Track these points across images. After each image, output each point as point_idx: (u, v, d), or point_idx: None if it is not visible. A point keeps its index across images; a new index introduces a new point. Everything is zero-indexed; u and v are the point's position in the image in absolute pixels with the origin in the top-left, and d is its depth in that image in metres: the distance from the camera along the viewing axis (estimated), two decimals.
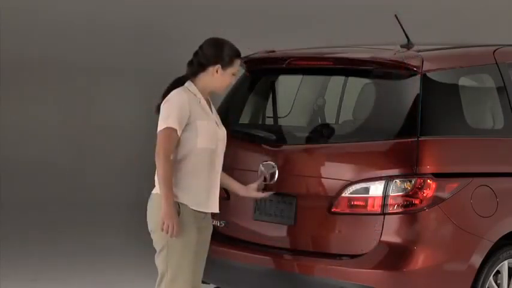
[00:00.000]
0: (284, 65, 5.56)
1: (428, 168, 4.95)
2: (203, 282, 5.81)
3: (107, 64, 11.37)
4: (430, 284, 4.97)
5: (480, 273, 5.10)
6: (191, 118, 4.80)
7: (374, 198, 4.97)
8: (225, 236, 5.65)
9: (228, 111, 5.82)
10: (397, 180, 4.95)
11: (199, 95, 4.90)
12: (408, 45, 5.59)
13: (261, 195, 5.21)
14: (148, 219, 4.90)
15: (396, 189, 4.95)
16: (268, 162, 5.32)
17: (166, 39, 11.00)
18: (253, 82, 5.89)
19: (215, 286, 5.91)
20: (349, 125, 5.85)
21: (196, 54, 4.94)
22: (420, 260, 4.91)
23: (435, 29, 10.61)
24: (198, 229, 4.89)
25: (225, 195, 5.55)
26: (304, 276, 5.15)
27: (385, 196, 4.93)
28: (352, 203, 5.03)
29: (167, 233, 4.72)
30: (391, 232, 4.96)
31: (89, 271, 7.72)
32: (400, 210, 4.94)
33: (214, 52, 4.88)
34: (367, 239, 4.98)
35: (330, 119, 6.46)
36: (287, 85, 6.13)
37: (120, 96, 11.44)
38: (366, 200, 4.99)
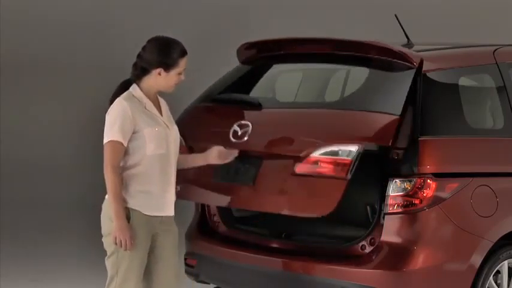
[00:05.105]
0: (282, 52, 5.56)
1: (428, 168, 4.95)
2: (203, 282, 5.82)
3: (108, 64, 11.37)
4: (430, 283, 4.97)
5: (480, 273, 5.10)
6: (138, 127, 4.72)
7: (342, 161, 4.89)
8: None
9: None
10: (397, 180, 4.95)
11: (145, 100, 4.81)
12: (408, 45, 5.58)
13: (221, 161, 5.07)
14: (101, 224, 4.84)
15: (396, 189, 4.94)
16: (242, 121, 5.28)
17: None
18: (248, 74, 5.85)
19: (215, 286, 5.91)
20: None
21: (139, 56, 4.84)
22: (420, 260, 4.91)
23: (435, 29, 10.61)
24: (155, 233, 4.82)
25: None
26: (305, 276, 5.15)
27: (354, 161, 4.85)
28: (319, 164, 4.97)
29: (120, 247, 4.67)
30: (391, 232, 4.96)
31: (89, 271, 7.72)
32: (400, 210, 4.94)
33: (155, 56, 4.77)
34: (326, 203, 4.91)
35: None
36: (287, 84, 6.11)
37: None
38: (332, 162, 4.92)
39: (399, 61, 5.12)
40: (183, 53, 4.82)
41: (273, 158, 5.16)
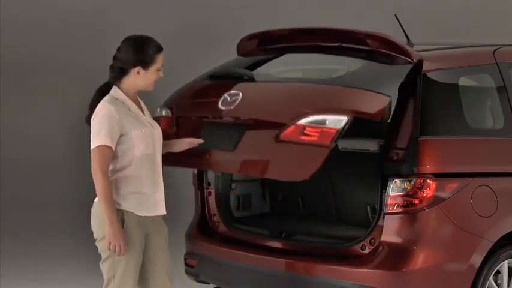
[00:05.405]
0: (284, 44, 5.55)
1: (428, 168, 4.95)
2: (203, 282, 5.83)
3: (108, 64, 11.36)
4: (430, 283, 4.97)
5: (480, 273, 5.10)
6: (125, 130, 4.70)
7: (328, 129, 4.83)
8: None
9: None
10: (397, 180, 4.94)
11: (128, 101, 4.79)
12: (408, 45, 5.57)
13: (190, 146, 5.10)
14: (92, 229, 4.85)
15: (396, 189, 4.94)
16: (233, 91, 5.26)
17: (170, 39, 11.01)
18: (248, 67, 5.83)
19: (215, 286, 5.91)
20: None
21: (115, 57, 4.82)
22: (420, 260, 4.91)
23: (435, 29, 10.61)
24: (147, 233, 4.83)
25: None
26: (305, 277, 5.15)
27: (340, 131, 4.79)
28: (304, 131, 4.88)
29: (114, 252, 4.67)
30: (391, 232, 4.96)
31: (89, 271, 7.72)
32: (400, 210, 4.94)
33: (132, 55, 4.76)
34: (306, 169, 4.82)
35: None
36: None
37: None
38: (318, 130, 4.85)
39: (399, 55, 5.10)
40: (159, 48, 4.81)
41: (259, 125, 5.10)
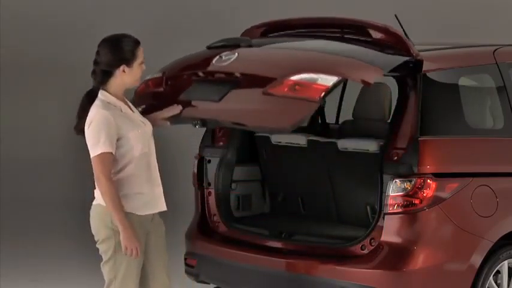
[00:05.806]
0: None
1: (428, 168, 4.95)
2: (203, 282, 5.83)
3: None
4: (430, 283, 4.97)
5: (480, 273, 5.10)
6: (122, 132, 4.69)
7: (317, 86, 4.76)
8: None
9: None
10: (397, 180, 4.94)
11: (118, 103, 4.78)
12: None
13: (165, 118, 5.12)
14: (93, 231, 4.84)
15: (396, 189, 4.94)
16: (230, 51, 5.27)
17: (170, 37, 11.01)
18: None
19: (215, 286, 5.91)
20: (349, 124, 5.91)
21: (96, 62, 4.80)
22: (420, 260, 4.91)
23: (435, 29, 10.61)
24: (147, 232, 4.83)
25: None
26: (305, 276, 5.15)
27: (330, 89, 4.75)
28: (294, 86, 4.81)
29: (131, 255, 4.66)
30: (391, 232, 4.96)
31: (89, 271, 7.73)
32: (400, 210, 4.94)
33: (113, 55, 4.74)
34: (290, 119, 4.73)
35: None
36: None
37: None
38: (307, 85, 4.79)
39: (399, 48, 5.09)
40: (136, 43, 4.81)
41: (249, 79, 5.07)
